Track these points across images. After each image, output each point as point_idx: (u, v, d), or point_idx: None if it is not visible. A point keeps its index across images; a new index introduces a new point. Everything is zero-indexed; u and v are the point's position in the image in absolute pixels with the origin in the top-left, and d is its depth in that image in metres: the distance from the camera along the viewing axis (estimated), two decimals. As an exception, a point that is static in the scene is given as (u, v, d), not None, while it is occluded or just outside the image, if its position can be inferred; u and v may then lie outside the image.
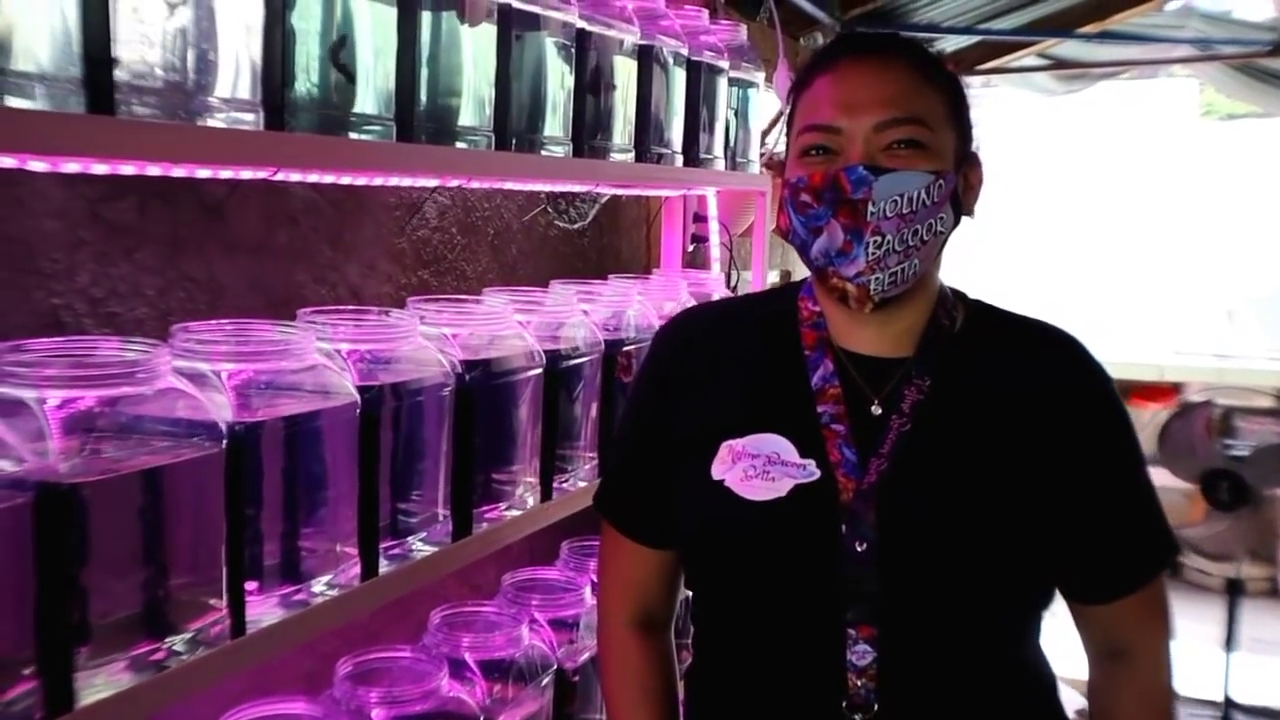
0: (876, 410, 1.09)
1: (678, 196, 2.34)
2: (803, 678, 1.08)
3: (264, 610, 1.03)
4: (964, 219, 1.12)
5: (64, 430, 0.84)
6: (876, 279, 1.04)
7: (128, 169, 1.04)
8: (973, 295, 1.21)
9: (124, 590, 0.89)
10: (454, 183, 1.61)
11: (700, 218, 2.41)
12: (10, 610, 0.80)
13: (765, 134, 2.49)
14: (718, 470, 1.10)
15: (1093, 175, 6.29)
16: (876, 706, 1.04)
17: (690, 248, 2.43)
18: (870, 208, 1.03)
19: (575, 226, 2.17)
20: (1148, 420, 5.52)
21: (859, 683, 1.04)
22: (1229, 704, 3.70)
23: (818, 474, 1.07)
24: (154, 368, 0.91)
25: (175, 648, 0.93)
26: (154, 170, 1.07)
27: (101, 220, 1.22)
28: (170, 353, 0.96)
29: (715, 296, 2.08)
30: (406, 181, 1.52)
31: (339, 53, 1.07)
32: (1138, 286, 6.39)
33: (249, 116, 0.98)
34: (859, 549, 1.04)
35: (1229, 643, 3.69)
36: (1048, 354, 1.14)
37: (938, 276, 1.15)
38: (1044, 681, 1.18)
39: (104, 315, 1.24)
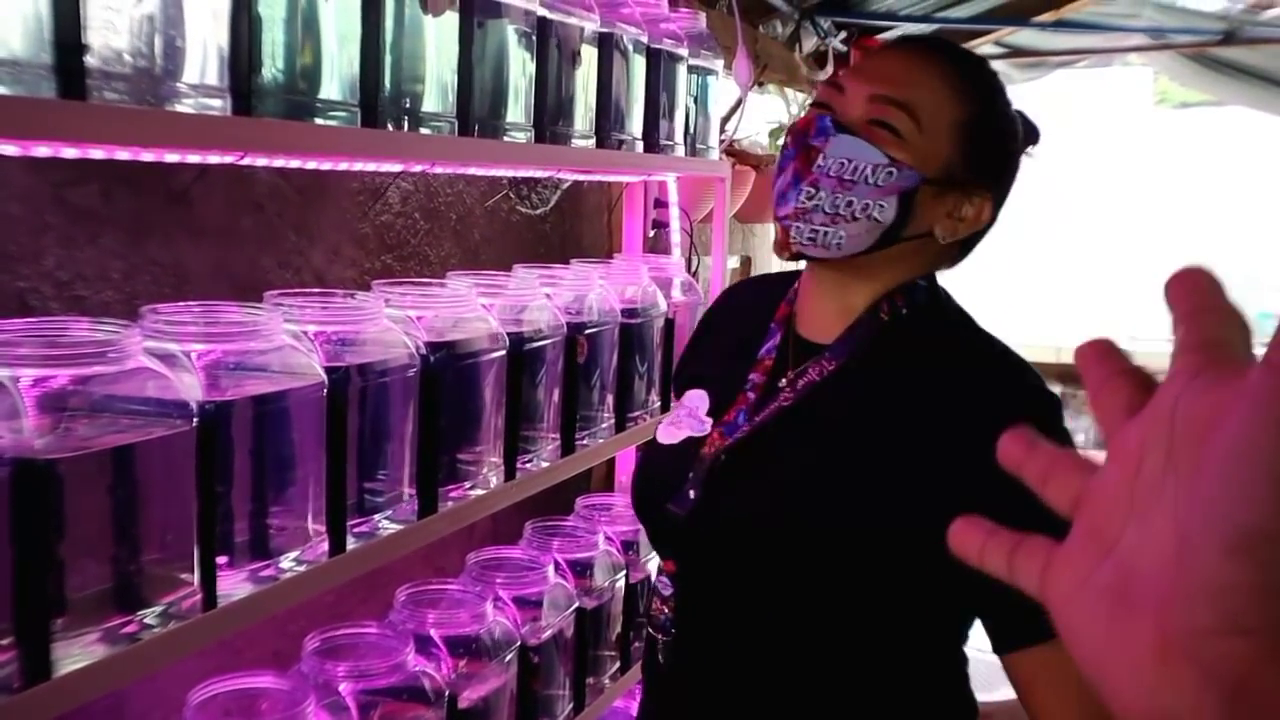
0: (782, 384, 1.14)
1: (639, 182, 2.37)
2: (647, 600, 1.21)
3: (234, 585, 1.06)
4: (957, 250, 1.15)
5: (39, 408, 0.86)
6: (797, 228, 1.09)
7: (96, 153, 1.06)
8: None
9: (98, 564, 0.91)
10: (417, 168, 1.63)
11: (661, 203, 2.44)
12: (-13, 583, 0.83)
13: (725, 121, 2.53)
14: (666, 416, 1.23)
15: (1049, 161, 6.38)
16: (675, 632, 1.16)
17: (651, 233, 2.46)
18: (820, 159, 1.06)
19: (538, 212, 2.19)
20: (1101, 403, 5.62)
21: (664, 609, 1.16)
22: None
23: (708, 430, 1.15)
24: (125, 348, 0.93)
25: (147, 620, 0.95)
26: (122, 155, 1.08)
27: (66, 204, 1.24)
28: (141, 333, 0.98)
29: (676, 281, 2.12)
30: (370, 167, 1.54)
31: None
32: (1093, 271, 6.51)
33: (216, 102, 1.00)
34: (690, 495, 1.11)
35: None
36: (981, 369, 1.08)
37: (899, 276, 1.12)
38: (897, 691, 1.11)
39: (70, 298, 1.25)
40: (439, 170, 1.76)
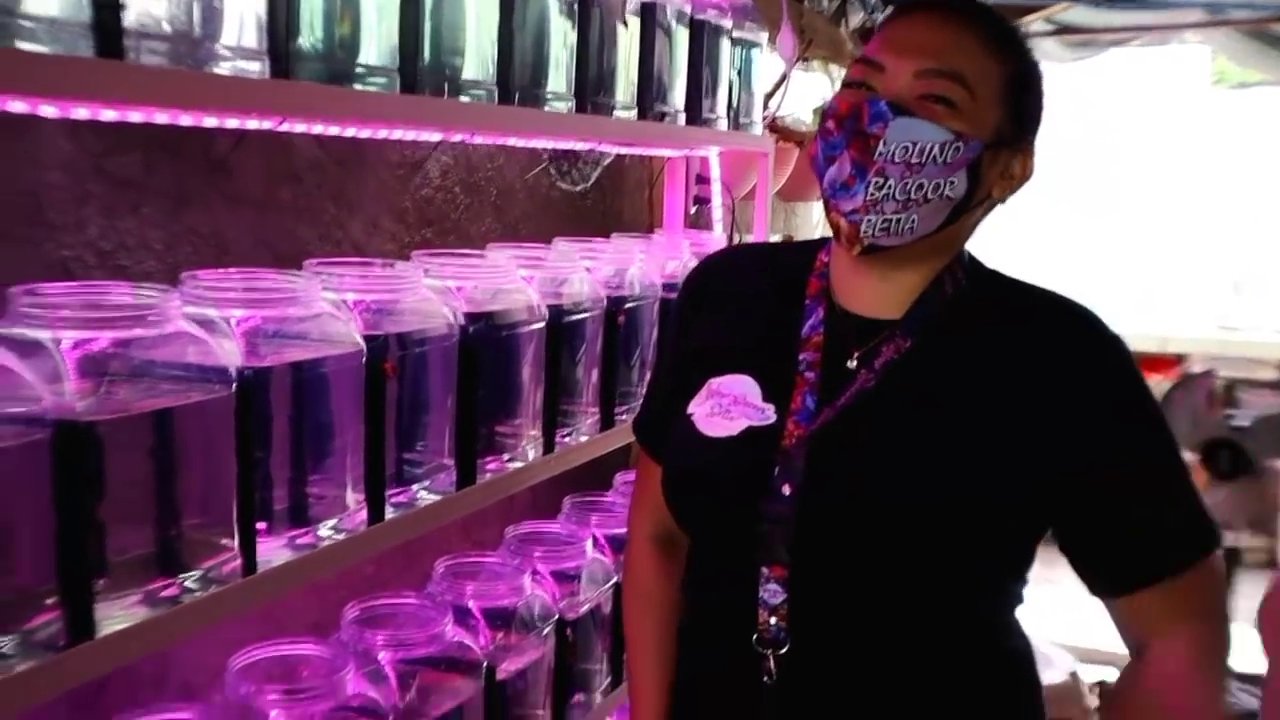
0: (851, 364, 1.10)
1: (680, 158, 2.35)
2: (723, 610, 1.12)
3: (273, 551, 1.06)
4: (995, 204, 1.11)
5: (79, 370, 0.86)
6: (869, 221, 1.04)
7: (135, 117, 1.06)
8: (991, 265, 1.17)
9: (139, 527, 0.92)
10: (457, 138, 1.62)
11: (702, 180, 2.42)
12: (32, 542, 0.83)
13: (769, 96, 2.50)
14: (692, 405, 1.14)
15: (1103, 144, 6.27)
16: (788, 645, 1.06)
17: (693, 209, 2.44)
18: (880, 146, 1.01)
19: (578, 188, 2.18)
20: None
21: (771, 620, 1.06)
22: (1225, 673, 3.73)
23: (773, 419, 1.09)
24: (165, 311, 0.93)
25: (188, 584, 0.96)
26: (161, 119, 1.08)
27: (107, 174, 1.24)
28: (181, 298, 0.98)
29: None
30: (410, 136, 1.53)
31: None
32: (1145, 256, 6.39)
33: (254, 65, 1.00)
34: (785, 491, 1.05)
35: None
36: (1058, 326, 1.10)
37: (956, 247, 1.12)
38: (997, 652, 1.14)
39: (113, 267, 1.26)
40: (479, 141, 1.75)
